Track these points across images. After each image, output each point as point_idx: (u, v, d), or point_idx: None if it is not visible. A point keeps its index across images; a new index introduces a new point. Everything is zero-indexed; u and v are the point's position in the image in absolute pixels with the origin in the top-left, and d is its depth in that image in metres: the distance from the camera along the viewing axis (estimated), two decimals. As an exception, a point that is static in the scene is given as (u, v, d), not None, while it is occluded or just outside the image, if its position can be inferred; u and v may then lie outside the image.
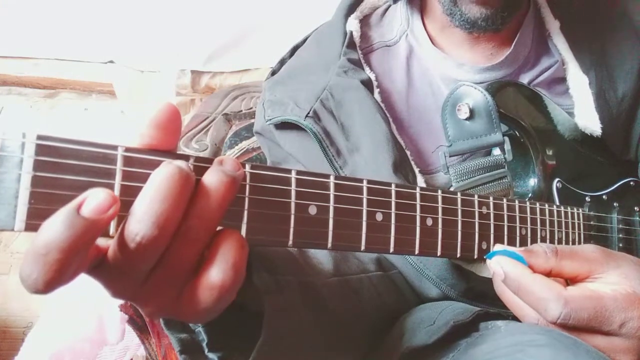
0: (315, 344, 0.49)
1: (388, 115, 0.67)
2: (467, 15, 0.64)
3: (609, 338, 0.43)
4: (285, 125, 0.68)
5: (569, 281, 0.47)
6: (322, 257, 0.53)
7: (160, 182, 0.29)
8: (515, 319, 0.50)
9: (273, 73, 0.77)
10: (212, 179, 0.31)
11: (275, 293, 0.42)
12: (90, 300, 1.14)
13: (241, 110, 1.17)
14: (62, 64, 1.42)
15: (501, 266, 0.45)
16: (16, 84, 1.47)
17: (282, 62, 0.78)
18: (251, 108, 1.18)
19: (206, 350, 0.42)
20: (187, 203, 0.30)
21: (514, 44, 0.70)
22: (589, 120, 0.69)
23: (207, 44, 1.41)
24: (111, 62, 1.41)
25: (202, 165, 0.32)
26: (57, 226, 0.26)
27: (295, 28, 0.96)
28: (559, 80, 0.72)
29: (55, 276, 0.26)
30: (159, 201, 0.28)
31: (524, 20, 0.72)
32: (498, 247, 0.48)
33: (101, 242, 0.30)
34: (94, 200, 0.27)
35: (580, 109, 0.70)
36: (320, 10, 0.81)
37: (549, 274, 0.46)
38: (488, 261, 0.47)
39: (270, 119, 0.68)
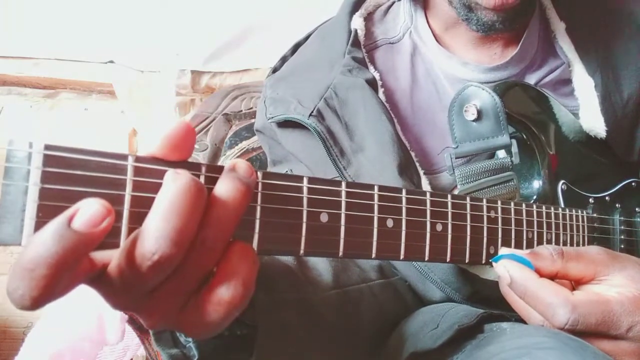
0: (313, 357, 0.48)
1: (392, 115, 0.66)
2: (485, 19, 0.64)
3: (615, 342, 0.43)
4: (287, 124, 0.66)
5: (574, 283, 0.47)
6: (321, 269, 0.52)
7: (174, 195, 0.27)
8: (519, 320, 0.50)
9: (274, 70, 0.76)
10: (226, 187, 0.30)
11: (272, 313, 0.42)
12: (90, 300, 1.14)
13: (241, 110, 1.17)
14: (62, 64, 1.41)
15: (507, 270, 0.45)
16: (16, 84, 1.47)
17: (284, 60, 0.77)
18: (251, 108, 1.18)
19: None
20: (202, 215, 0.29)
21: (520, 43, 0.70)
22: (595, 123, 0.69)
23: (207, 44, 1.41)
24: (111, 62, 1.41)
25: (214, 175, 0.31)
26: (45, 240, 0.25)
27: (295, 28, 0.96)
28: (565, 82, 0.72)
29: (43, 293, 0.25)
30: (175, 217, 0.27)
31: (531, 21, 0.72)
32: (504, 250, 0.47)
33: (100, 255, 0.29)
34: (87, 212, 0.26)
35: (586, 111, 0.69)
36: (321, 10, 0.80)
37: (554, 277, 0.45)
38: (494, 264, 0.46)
39: (273, 117, 0.66)
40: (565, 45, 0.72)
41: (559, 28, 0.73)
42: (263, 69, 1.41)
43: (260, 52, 1.41)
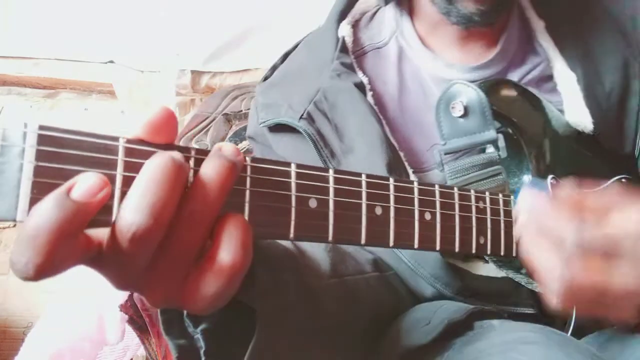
0: (312, 344, 0.49)
1: (381, 117, 0.67)
2: (463, 11, 0.65)
3: (612, 261, 0.42)
4: (278, 128, 0.68)
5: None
6: (320, 259, 0.53)
7: (152, 170, 0.29)
8: (509, 318, 0.52)
9: (265, 79, 0.78)
10: (212, 163, 0.31)
11: (273, 293, 0.42)
12: (90, 300, 1.14)
13: (241, 110, 1.17)
14: (62, 64, 1.42)
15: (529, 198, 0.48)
16: (16, 84, 1.47)
17: (274, 68, 0.79)
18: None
19: (203, 358, 0.42)
20: (184, 190, 0.30)
21: (501, 42, 0.72)
22: (580, 116, 0.70)
23: (207, 44, 1.41)
24: (111, 62, 1.41)
25: (203, 157, 0.32)
26: (47, 208, 0.26)
27: (295, 28, 0.96)
28: (547, 78, 0.74)
29: (45, 260, 0.26)
30: (152, 189, 0.28)
31: (510, 20, 0.74)
32: (527, 178, 0.52)
33: (96, 232, 0.30)
34: (85, 184, 0.27)
35: (570, 105, 0.71)
36: (320, 10, 0.81)
37: (571, 207, 0.46)
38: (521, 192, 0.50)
39: (264, 122, 0.68)
40: (545, 42, 0.74)
41: (539, 26, 0.75)
42: (263, 69, 1.41)
43: (260, 52, 1.42)
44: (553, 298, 0.44)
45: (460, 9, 0.65)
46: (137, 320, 0.93)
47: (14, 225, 1.50)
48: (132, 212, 0.28)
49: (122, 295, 0.95)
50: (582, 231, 0.42)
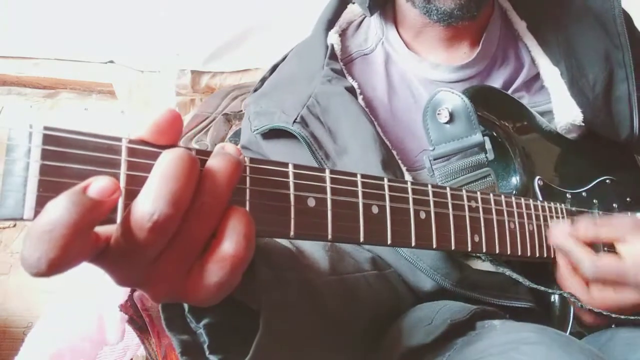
0: (313, 342, 0.49)
1: (372, 118, 0.69)
2: (443, 8, 0.67)
3: (625, 289, 0.55)
4: (272, 135, 0.69)
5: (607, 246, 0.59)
6: (319, 257, 0.53)
7: (169, 162, 0.29)
8: (510, 317, 0.52)
9: (255, 90, 0.79)
10: (218, 160, 0.32)
11: (275, 289, 0.42)
12: (90, 300, 1.14)
13: (241, 111, 1.18)
14: (62, 64, 1.42)
15: (557, 239, 0.58)
16: (16, 84, 1.47)
17: (264, 80, 0.80)
18: (251, 108, 1.18)
19: (207, 352, 0.42)
20: (197, 183, 0.31)
21: (481, 42, 0.74)
22: (569, 109, 0.72)
23: (207, 44, 1.41)
24: (111, 62, 1.42)
25: (204, 158, 0.33)
26: (63, 204, 0.27)
27: (295, 28, 0.96)
28: (534, 77, 0.76)
29: (60, 255, 0.26)
30: (172, 180, 0.29)
31: (491, 21, 0.76)
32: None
33: (103, 230, 0.30)
34: (99, 184, 0.28)
35: (557, 99, 0.74)
36: (320, 10, 0.81)
37: (589, 241, 0.58)
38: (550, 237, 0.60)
39: (258, 129, 0.69)
40: (529, 41, 0.77)
41: (521, 27, 0.78)
42: (263, 69, 1.41)
43: (260, 52, 1.42)
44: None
45: (440, 6, 0.67)
46: (137, 320, 0.93)
47: (14, 225, 1.50)
48: (153, 201, 0.28)
49: (122, 295, 0.95)
50: (595, 261, 0.55)
